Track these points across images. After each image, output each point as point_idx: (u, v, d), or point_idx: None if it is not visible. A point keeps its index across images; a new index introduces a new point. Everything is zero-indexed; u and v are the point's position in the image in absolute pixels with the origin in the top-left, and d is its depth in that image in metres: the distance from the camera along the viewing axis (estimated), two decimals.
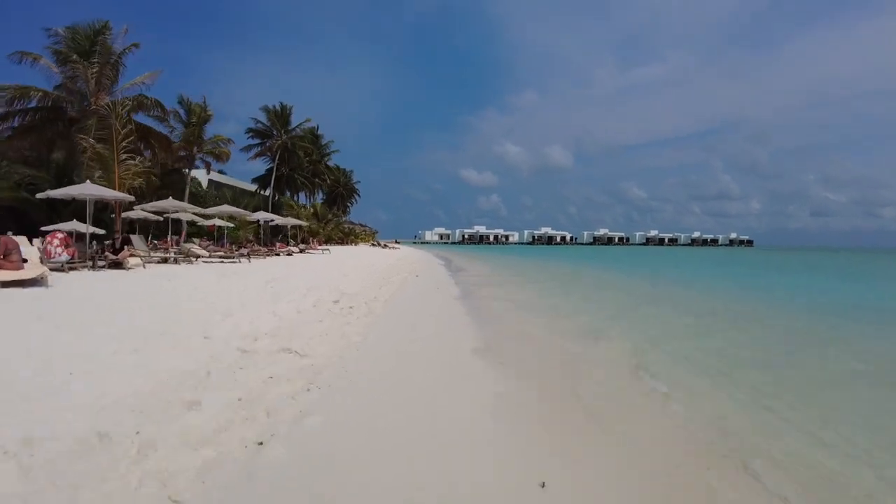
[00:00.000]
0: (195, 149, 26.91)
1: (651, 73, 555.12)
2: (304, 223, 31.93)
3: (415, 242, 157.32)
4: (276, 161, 46.98)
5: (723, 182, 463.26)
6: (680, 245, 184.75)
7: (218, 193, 40.33)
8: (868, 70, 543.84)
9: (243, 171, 51.59)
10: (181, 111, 27.09)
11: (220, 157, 28.02)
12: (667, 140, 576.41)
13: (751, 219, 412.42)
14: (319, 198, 60.56)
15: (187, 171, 27.31)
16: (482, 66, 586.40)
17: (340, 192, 78.49)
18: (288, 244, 26.50)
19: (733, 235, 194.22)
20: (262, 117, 45.86)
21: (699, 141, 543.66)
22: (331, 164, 62.36)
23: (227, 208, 22.76)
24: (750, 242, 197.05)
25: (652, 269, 30.44)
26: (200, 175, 41.45)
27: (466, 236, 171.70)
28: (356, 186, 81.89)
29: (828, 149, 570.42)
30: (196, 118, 26.76)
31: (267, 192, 46.78)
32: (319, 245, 29.70)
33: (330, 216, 48.87)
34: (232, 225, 26.44)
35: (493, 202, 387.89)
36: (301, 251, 25.62)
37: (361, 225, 74.19)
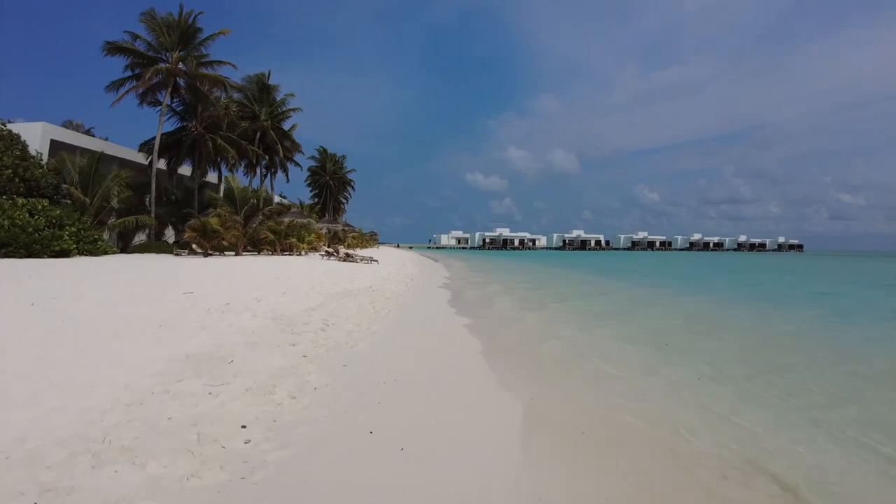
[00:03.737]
0: None
1: (670, 78, 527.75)
2: None
3: (429, 247, 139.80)
4: (168, 106, 26.67)
5: (738, 186, 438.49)
6: (726, 250, 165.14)
7: (58, 164, 20.59)
8: (890, 72, 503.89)
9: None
10: None
11: None
12: (681, 144, 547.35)
13: (769, 222, 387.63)
14: (279, 181, 41.97)
15: None
16: (500, 73, 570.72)
17: (328, 182, 60.08)
18: None
19: (781, 240, 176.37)
20: (144, 32, 25.55)
21: (716, 145, 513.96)
22: (300, 139, 43.04)
23: None
24: (800, 247, 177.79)
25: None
26: (28, 131, 21.90)
27: (488, 240, 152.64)
28: (349, 178, 63.67)
29: (848, 152, 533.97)
30: None
31: (159, 164, 28.47)
32: None
33: (252, 199, 28.94)
34: None
35: (507, 206, 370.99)
36: None
37: (347, 225, 55.51)
